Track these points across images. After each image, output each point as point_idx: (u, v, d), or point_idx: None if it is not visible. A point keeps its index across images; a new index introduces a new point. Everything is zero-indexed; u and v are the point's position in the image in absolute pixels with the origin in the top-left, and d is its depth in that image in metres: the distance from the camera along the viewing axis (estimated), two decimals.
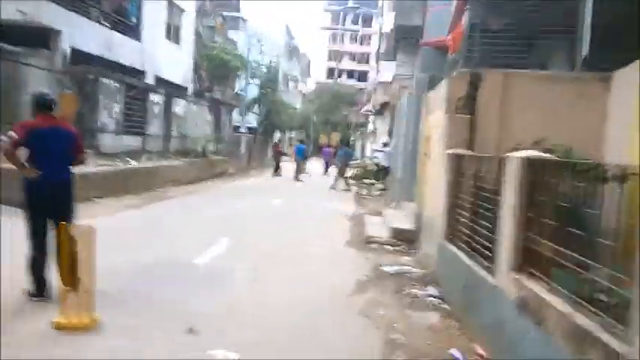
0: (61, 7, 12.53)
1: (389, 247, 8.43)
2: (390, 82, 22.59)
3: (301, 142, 26.60)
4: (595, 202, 2.84)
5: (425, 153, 8.25)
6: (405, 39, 17.47)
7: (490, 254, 4.32)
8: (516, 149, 5.12)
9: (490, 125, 6.03)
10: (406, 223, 9.05)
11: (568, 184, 3.23)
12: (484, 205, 4.61)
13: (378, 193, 18.11)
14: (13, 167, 4.74)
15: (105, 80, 12.86)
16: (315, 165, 29.52)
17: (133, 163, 13.49)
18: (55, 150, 4.74)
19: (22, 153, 4.72)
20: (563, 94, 5.99)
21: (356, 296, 5.65)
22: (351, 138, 54.94)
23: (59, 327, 3.96)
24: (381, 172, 19.12)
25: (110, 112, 13.24)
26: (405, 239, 8.57)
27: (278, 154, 24.79)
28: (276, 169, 24.03)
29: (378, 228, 9.65)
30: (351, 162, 21.39)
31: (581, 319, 2.74)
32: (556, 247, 3.21)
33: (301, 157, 23.02)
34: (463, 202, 5.35)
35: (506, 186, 3.94)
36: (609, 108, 5.73)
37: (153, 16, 17.22)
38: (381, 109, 21.60)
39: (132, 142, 14.65)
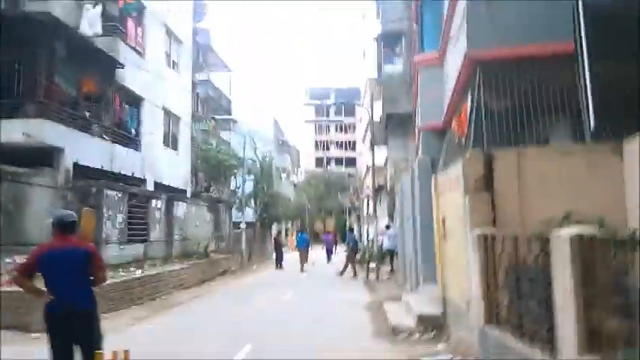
0: (63, 125, 12.91)
1: (418, 335, 8.08)
2: (384, 166, 23.14)
3: (301, 231, 26.50)
4: None
5: (442, 235, 8.19)
6: (394, 126, 18.21)
7: (547, 337, 4.13)
8: (547, 225, 5.14)
9: (510, 203, 6.05)
10: (432, 308, 8.74)
11: (621, 258, 3.18)
12: (530, 287, 4.48)
13: (387, 277, 17.77)
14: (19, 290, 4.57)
15: (108, 192, 12.94)
16: (316, 253, 29.17)
17: (138, 273, 13.18)
18: (69, 272, 4.50)
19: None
20: (577, 166, 6.09)
21: None
22: (347, 223, 55.17)
23: None
24: (387, 255, 18.90)
25: (114, 222, 13.18)
26: (433, 325, 8.23)
27: (279, 247, 24.59)
28: (279, 262, 23.66)
29: (401, 316, 9.31)
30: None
31: None
32: (622, 324, 3.08)
33: (303, 246, 22.78)
34: (502, 284, 5.21)
35: (557, 266, 3.85)
36: (625, 176, 5.81)
37: (151, 125, 17.79)
38: (378, 193, 21.85)
39: (135, 250, 14.44)
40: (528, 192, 6.08)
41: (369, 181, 34.71)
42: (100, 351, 4.40)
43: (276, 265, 23.67)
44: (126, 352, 3.73)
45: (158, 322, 10.34)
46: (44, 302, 4.50)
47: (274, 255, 24.97)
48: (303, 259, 22.27)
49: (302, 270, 21.66)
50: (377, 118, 20.47)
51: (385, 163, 22.98)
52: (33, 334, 8.56)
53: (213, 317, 10.66)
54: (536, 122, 7.07)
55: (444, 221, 8.05)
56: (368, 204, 21.43)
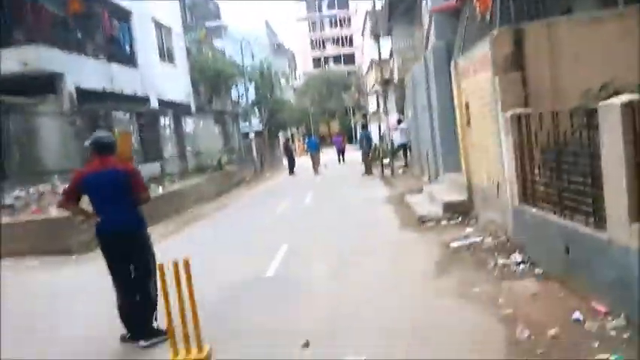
0: (58, 48, 12.34)
1: (445, 222, 8.29)
2: (389, 58, 22.32)
3: (310, 135, 26.43)
4: None
5: (465, 122, 8.06)
6: (399, 14, 17.19)
7: (592, 210, 4.16)
8: (584, 97, 4.97)
9: (542, 80, 5.83)
10: (456, 196, 8.88)
11: None
12: (572, 162, 4.43)
13: (402, 171, 17.95)
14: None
15: (115, 113, 12.69)
16: (326, 156, 29.35)
17: (159, 190, 13.35)
18: (111, 194, 4.51)
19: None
20: (609, 34, 5.76)
21: (443, 278, 5.50)
22: (352, 123, 54.75)
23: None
24: (400, 150, 18.92)
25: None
26: (459, 211, 8.41)
27: (290, 153, 24.69)
28: (292, 168, 23.88)
29: (425, 206, 9.49)
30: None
31: None
32: None
33: (314, 149, 22.88)
34: (539, 162, 5.17)
35: (606, 136, 3.75)
36: None
37: (144, 40, 16.98)
38: (385, 88, 21.27)
39: (151, 168, 14.51)
40: (561, 67, 5.83)
41: (372, 78, 33.82)
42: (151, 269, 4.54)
43: (289, 172, 23.91)
44: (186, 261, 3.80)
45: (187, 234, 10.63)
46: (94, 224, 4.61)
47: (286, 162, 25.15)
48: (316, 162, 22.43)
49: (317, 173, 21.92)
50: (378, 6, 19.33)
51: (390, 55, 22.13)
52: (74, 256, 8.94)
53: (241, 225, 10.93)
54: None
55: (467, 107, 7.87)
56: (378, 100, 20.90)
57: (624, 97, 3.60)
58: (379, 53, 17.79)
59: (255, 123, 28.63)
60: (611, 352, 3.36)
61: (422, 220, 8.55)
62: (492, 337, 3.87)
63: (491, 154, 6.77)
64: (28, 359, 2.42)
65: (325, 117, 60.93)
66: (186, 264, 3.84)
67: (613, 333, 3.65)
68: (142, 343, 4.49)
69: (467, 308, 4.57)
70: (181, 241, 9.80)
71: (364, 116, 41.34)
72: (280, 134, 34.05)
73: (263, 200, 15.31)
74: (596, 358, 3.33)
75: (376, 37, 18.28)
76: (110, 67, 14.61)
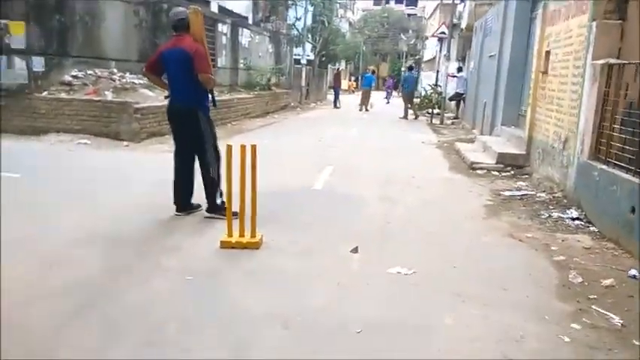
0: None
1: (496, 172, 8.08)
2: (460, 2, 21.09)
3: (366, 71, 25.76)
4: None
5: (542, 70, 7.63)
6: None
7: None
8: None
9: None
10: (513, 148, 8.60)
11: None
12: None
13: (451, 122, 17.46)
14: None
15: (179, 9, 12.50)
16: (373, 97, 28.79)
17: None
18: (176, 71, 4.65)
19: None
20: None
21: (494, 220, 5.42)
22: (402, 68, 53.06)
23: (225, 245, 3.96)
24: (454, 100, 18.28)
25: None
26: (513, 164, 8.17)
27: (339, 85, 24.23)
28: (337, 100, 23.52)
29: (478, 154, 9.25)
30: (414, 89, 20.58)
31: None
32: None
33: (369, 86, 22.38)
34: (621, 115, 4.88)
35: None
36: None
37: None
38: (451, 32, 20.24)
39: None
40: None
41: (436, 21, 32.27)
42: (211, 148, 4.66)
43: (335, 105, 23.58)
44: (253, 146, 3.82)
45: (237, 141, 10.71)
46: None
47: (332, 96, 24.76)
48: (366, 98, 21.97)
49: (365, 109, 21.58)
50: None
51: (464, 2, 20.89)
52: (124, 142, 9.20)
53: (288, 143, 10.95)
54: None
55: (547, 54, 7.42)
56: (441, 45, 19.99)
57: None
58: None
59: (308, 50, 27.99)
60: None
61: (473, 167, 8.36)
62: (544, 276, 3.82)
63: (566, 106, 6.44)
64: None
65: (377, 58, 59.13)
66: (254, 150, 3.86)
67: None
68: (206, 214, 4.71)
69: (518, 248, 4.51)
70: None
71: (417, 61, 39.93)
72: (330, 66, 33.27)
73: (309, 125, 15.24)
74: None
75: None
76: None
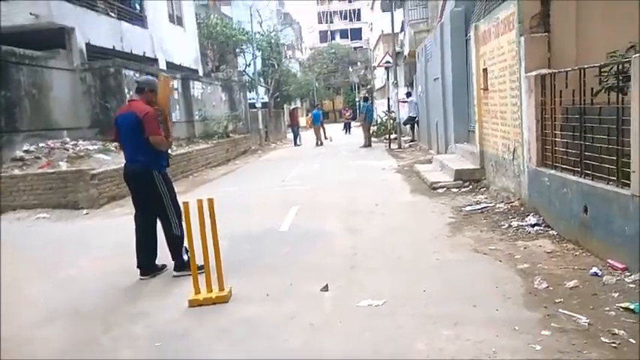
0: (69, 2, 12.18)
1: (455, 189, 8.29)
2: (401, 31, 22.01)
3: (314, 107, 26.33)
4: None
5: (482, 86, 7.99)
6: None
7: (616, 167, 4.15)
8: (612, 58, 4.89)
9: (567, 41, 5.75)
10: (468, 164, 8.88)
11: None
12: (596, 119, 4.40)
13: (408, 145, 17.89)
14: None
15: (126, 71, 12.58)
16: (331, 130, 29.25)
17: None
18: (126, 135, 4.75)
19: None
20: None
21: (458, 236, 5.53)
22: (357, 99, 54.30)
23: (194, 303, 3.90)
24: (408, 124, 18.81)
25: None
26: (471, 179, 8.41)
27: (296, 123, 24.60)
28: (297, 139, 23.81)
29: (437, 173, 9.49)
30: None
31: None
32: None
33: (318, 122, 22.93)
34: (560, 122, 5.15)
35: (637, 88, 3.72)
36: None
37: (154, 1, 16.74)
38: (395, 60, 21.01)
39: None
40: (586, 29, 5.74)
41: (381, 51, 33.41)
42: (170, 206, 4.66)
43: (295, 142, 23.85)
44: (210, 199, 3.82)
45: (199, 195, 10.65)
46: None
47: (291, 132, 25.08)
48: (318, 133, 22.44)
49: (320, 143, 21.97)
50: None
51: (401, 29, 21.82)
52: (84, 211, 8.99)
53: (252, 188, 10.94)
54: None
55: (485, 72, 7.79)
56: (388, 74, 20.69)
57: None
58: (392, 22, 17.48)
59: (262, 93, 28.42)
60: (631, 301, 3.40)
61: (433, 187, 8.56)
62: (511, 287, 3.91)
63: (509, 118, 6.74)
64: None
65: (330, 92, 60.48)
66: (210, 203, 3.87)
67: (632, 286, 3.69)
68: (174, 273, 4.65)
69: (483, 262, 4.61)
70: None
71: (369, 91, 41.03)
72: (285, 106, 33.80)
73: (271, 167, 15.31)
74: (617, 305, 3.37)
75: (391, 8, 17.94)
76: (120, 25, 14.45)
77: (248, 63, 25.18)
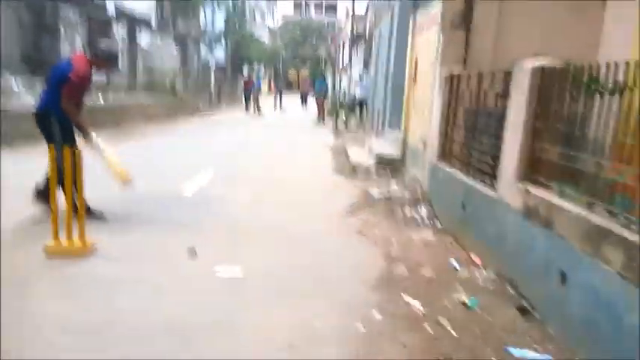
0: None
1: (374, 175, 8.43)
2: (365, 14, 21.89)
3: (254, 77, 25.75)
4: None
5: (412, 77, 8.09)
6: None
7: (490, 169, 4.33)
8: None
9: (485, 42, 5.89)
10: (391, 151, 9.03)
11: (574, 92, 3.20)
12: (485, 121, 4.56)
13: (355, 125, 18.01)
14: None
15: (64, 11, 11.91)
16: (289, 101, 29.00)
17: (100, 101, 12.82)
18: (50, 80, 4.85)
19: None
20: (560, 9, 5.85)
21: (351, 219, 5.66)
22: (322, 73, 53.94)
23: (51, 251, 3.81)
24: (357, 106, 18.90)
25: (72, 45, 12.40)
26: (391, 166, 8.57)
27: (248, 89, 24.10)
28: (247, 107, 23.38)
29: (362, 157, 9.61)
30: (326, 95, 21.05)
31: (596, 218, 2.77)
32: (566, 154, 3.21)
33: (254, 90, 22.48)
34: (459, 122, 5.30)
35: (514, 96, 3.87)
36: (605, 23, 5.64)
37: None
38: (355, 42, 21.00)
39: (96, 77, 13.83)
40: (506, 33, 5.90)
41: (348, 30, 33.18)
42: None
43: (245, 108, 23.43)
44: (78, 151, 3.71)
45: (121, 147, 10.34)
46: None
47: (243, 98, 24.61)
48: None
49: (254, 112, 21.62)
50: None
51: (366, 11, 21.70)
52: None
53: (175, 149, 10.75)
54: None
55: (416, 63, 7.89)
56: (344, 54, 20.68)
57: (537, 62, 3.69)
58: (352, 5, 17.35)
59: (221, 56, 27.70)
60: (470, 295, 3.59)
61: (354, 169, 8.67)
62: (371, 270, 4.04)
63: (426, 112, 6.87)
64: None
65: (297, 63, 59.76)
66: (78, 154, 3.77)
67: (480, 282, 3.90)
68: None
69: (359, 244, 4.75)
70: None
71: (333, 67, 40.77)
72: (245, 70, 33.11)
73: (208, 130, 15.04)
74: (453, 295, 3.56)
75: None
76: None
77: (208, 22, 24.38)
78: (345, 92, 20.16)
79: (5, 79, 10.76)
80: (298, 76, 56.72)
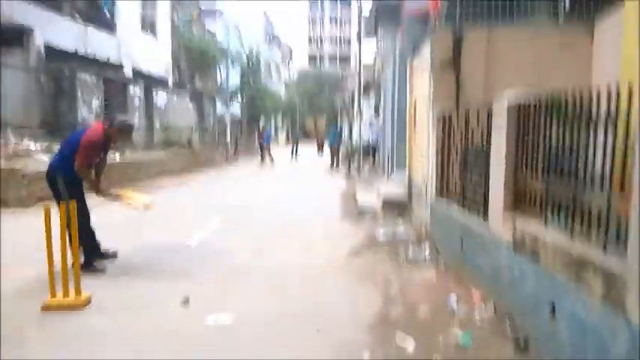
0: (33, 4, 12.24)
1: (381, 216, 8.41)
2: (373, 62, 22.47)
3: (263, 128, 26.04)
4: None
5: (412, 119, 8.22)
6: (386, 16, 17.32)
7: (482, 205, 4.31)
8: None
9: (475, 82, 6.00)
10: (397, 192, 9.04)
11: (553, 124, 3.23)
12: (474, 157, 4.59)
13: (368, 169, 18.11)
14: None
15: (82, 75, 12.60)
16: (305, 150, 29.41)
17: (116, 158, 13.24)
18: (64, 146, 5.21)
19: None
20: (547, 46, 5.97)
21: (354, 261, 5.62)
22: (338, 122, 54.84)
23: (46, 308, 3.88)
24: (369, 150, 19.11)
25: (90, 107, 13.01)
26: (398, 207, 8.56)
27: (261, 140, 24.53)
28: (263, 158, 23.71)
29: (370, 200, 9.62)
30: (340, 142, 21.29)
31: (578, 248, 2.73)
32: (548, 185, 3.20)
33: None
34: (453, 158, 5.33)
35: (495, 131, 3.91)
36: (594, 57, 5.72)
37: (127, 8, 16.88)
38: (366, 90, 21.50)
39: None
40: (495, 73, 6.01)
41: (361, 79, 33.99)
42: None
43: (261, 159, 23.75)
44: (72, 205, 3.86)
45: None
46: None
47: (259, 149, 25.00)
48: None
49: (263, 163, 21.86)
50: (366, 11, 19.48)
51: (374, 59, 22.29)
52: (10, 209, 8.90)
53: (186, 199, 10.96)
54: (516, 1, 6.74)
55: (415, 105, 8.03)
56: (360, 101, 21.18)
57: (513, 99, 3.74)
58: (359, 55, 17.91)
59: (237, 110, 28.56)
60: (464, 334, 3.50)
61: (360, 211, 8.69)
62: (367, 309, 4.00)
63: (425, 151, 6.93)
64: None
65: (313, 113, 61.07)
66: (72, 207, 3.91)
67: (477, 319, 3.80)
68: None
69: (359, 285, 4.70)
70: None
71: (347, 114, 41.50)
72: (261, 123, 33.94)
73: (224, 181, 15.32)
74: (450, 334, 3.48)
75: (359, 38, 18.42)
76: (86, 30, 14.51)
77: (223, 79, 25.34)
78: (357, 138, 20.45)
79: (24, 143, 11.29)
80: (315, 124, 57.82)
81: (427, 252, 5.71)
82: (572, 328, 2.72)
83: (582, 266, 2.63)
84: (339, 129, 23.08)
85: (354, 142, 20.34)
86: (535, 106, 3.44)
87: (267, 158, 23.48)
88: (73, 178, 5.01)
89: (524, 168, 3.55)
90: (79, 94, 12.27)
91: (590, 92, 2.73)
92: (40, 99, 12.26)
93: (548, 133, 3.26)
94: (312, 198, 11.31)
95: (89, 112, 12.91)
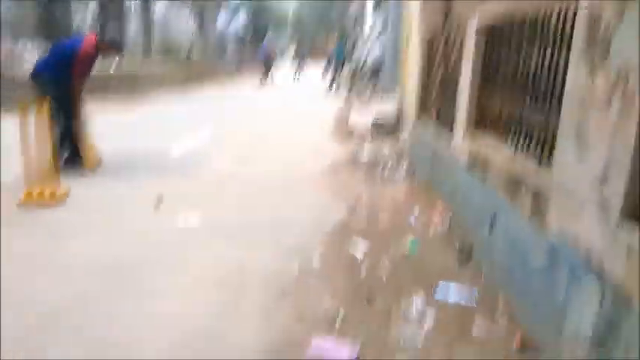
0: None
1: (369, 138, 8.48)
2: None
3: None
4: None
5: (407, 39, 8.03)
6: None
7: (450, 125, 4.38)
8: None
9: (466, 9, 5.78)
10: (386, 114, 9.05)
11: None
12: (449, 80, 4.58)
13: (369, 91, 17.82)
14: None
15: None
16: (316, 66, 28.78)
17: (112, 68, 13.10)
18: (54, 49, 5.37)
19: None
20: None
21: (332, 177, 5.80)
22: (344, 38, 52.75)
23: (25, 201, 4.13)
24: (375, 69, 18.61)
25: (84, 16, 12.68)
26: (387, 131, 8.59)
27: (268, 58, 23.95)
28: (266, 74, 23.24)
29: (362, 120, 9.64)
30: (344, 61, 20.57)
31: (518, 168, 2.83)
32: (502, 106, 3.24)
33: (262, 57, 21.93)
34: (433, 81, 5.31)
35: (465, 52, 3.89)
36: None
37: None
38: (377, 6, 20.54)
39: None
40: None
41: None
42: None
43: (264, 76, 23.32)
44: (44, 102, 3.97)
45: (131, 115, 10.72)
46: None
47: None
48: (267, 69, 21.56)
49: (264, 81, 21.50)
50: None
51: None
52: None
53: (179, 111, 11.02)
54: None
55: (410, 28, 7.82)
56: (371, 18, 20.35)
57: (484, 20, 3.66)
58: None
59: (241, 23, 27.61)
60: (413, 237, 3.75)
61: (351, 135, 8.74)
62: (331, 221, 4.21)
63: (414, 75, 6.87)
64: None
65: (323, 28, 58.69)
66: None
67: (432, 232, 4.01)
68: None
69: (330, 198, 4.91)
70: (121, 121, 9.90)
71: (361, 31, 39.99)
72: (267, 37, 32.94)
73: (223, 97, 15.25)
74: (401, 243, 3.71)
75: None
76: None
77: None
78: (362, 57, 19.87)
79: (19, 45, 11.19)
80: (327, 43, 55.62)
81: (404, 171, 5.86)
82: (505, 241, 2.90)
83: (517, 185, 2.76)
84: (342, 46, 22.23)
85: (360, 61, 19.72)
86: (504, 27, 3.38)
87: (267, 75, 22.99)
88: (61, 82, 5.09)
89: (488, 90, 3.58)
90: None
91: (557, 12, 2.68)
92: (34, 4, 11.93)
93: (514, 55, 3.24)
94: (305, 118, 11.31)
95: (83, 20, 12.61)
